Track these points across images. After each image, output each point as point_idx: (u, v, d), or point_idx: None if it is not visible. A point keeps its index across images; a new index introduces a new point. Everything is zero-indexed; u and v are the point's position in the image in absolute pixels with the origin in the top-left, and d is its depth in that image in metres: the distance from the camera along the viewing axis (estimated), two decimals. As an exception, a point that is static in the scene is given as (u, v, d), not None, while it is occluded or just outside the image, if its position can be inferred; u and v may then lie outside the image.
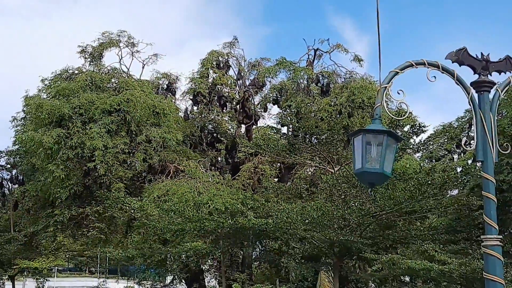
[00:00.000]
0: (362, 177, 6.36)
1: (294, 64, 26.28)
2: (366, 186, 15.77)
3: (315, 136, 25.61)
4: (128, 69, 26.09)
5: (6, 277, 32.65)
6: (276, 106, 27.77)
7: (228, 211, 18.69)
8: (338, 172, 20.67)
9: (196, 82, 26.32)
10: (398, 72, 6.30)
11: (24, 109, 24.08)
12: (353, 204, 17.38)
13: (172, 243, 21.16)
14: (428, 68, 6.20)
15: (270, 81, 27.72)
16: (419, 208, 17.17)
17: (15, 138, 24.58)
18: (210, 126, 27.84)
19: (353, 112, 24.06)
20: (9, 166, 28.71)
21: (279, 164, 26.39)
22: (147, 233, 21.59)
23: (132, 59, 26.27)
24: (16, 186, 27.64)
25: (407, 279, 28.59)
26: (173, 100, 27.07)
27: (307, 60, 27.04)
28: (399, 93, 6.33)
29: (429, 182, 16.09)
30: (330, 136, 23.55)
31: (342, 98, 24.34)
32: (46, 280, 36.10)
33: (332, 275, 20.85)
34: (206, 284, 27.01)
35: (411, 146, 27.28)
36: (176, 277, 27.60)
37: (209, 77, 27.05)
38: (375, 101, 6.10)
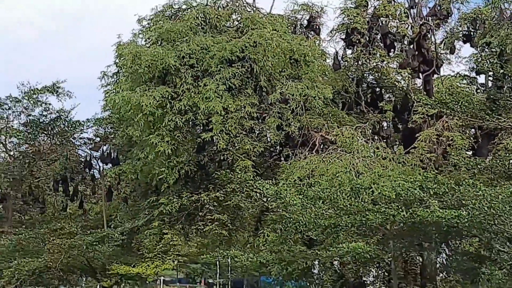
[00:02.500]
0: None
1: (495, -18, 25.42)
2: None
3: (529, 87, 24.76)
4: (254, 0, 26.36)
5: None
6: (468, 44, 27.07)
7: (401, 199, 18.46)
8: None
9: (350, 14, 26.19)
10: None
11: (117, 61, 25.01)
12: None
13: (321, 245, 21.32)
14: None
15: (458, 9, 27.12)
16: None
17: (105, 101, 25.60)
18: (370, 77, 27.70)
19: None
20: (98, 139, 30.16)
21: (474, 129, 25.74)
22: (285, 230, 21.88)
23: (260, -15, 26.53)
24: (109, 166, 28.99)
25: None
26: (318, 42, 27.10)
27: (514, -26, 26.03)
28: None
29: None
30: (553, 86, 22.63)
31: None
32: (151, 294, 37.94)
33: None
34: (371, 302, 27.14)
35: None
36: (327, 291, 27.96)
37: (369, 6, 26.80)
38: None
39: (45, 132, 30.16)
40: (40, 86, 29.16)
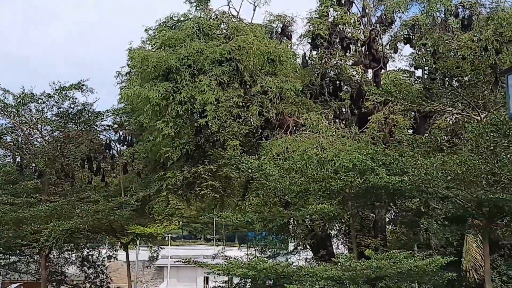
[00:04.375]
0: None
1: (428, -5, 25.51)
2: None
3: (456, 79, 24.83)
4: (238, 13, 26.44)
5: (119, 245, 34.83)
6: (408, 45, 27.15)
7: (357, 168, 18.68)
8: (485, 119, 20.10)
9: (315, 23, 26.16)
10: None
11: (129, 63, 25.08)
12: (504, 157, 16.88)
13: (294, 206, 21.54)
14: None
15: (400, 17, 27.10)
16: None
17: (120, 96, 25.64)
18: (332, 72, 27.71)
19: (501, 48, 23.04)
20: (116, 126, 30.21)
21: (413, 113, 25.97)
22: (266, 195, 22.10)
23: (242, 1, 26.55)
24: (125, 147, 29.08)
25: None
26: (289, 45, 27.16)
27: (444, -11, 26.10)
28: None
29: None
30: (475, 77, 22.78)
31: (487, 32, 23.34)
32: (161, 248, 38.15)
33: (481, 238, 20.51)
34: (334, 250, 27.41)
35: None
36: (300, 243, 28.23)
37: (329, 16, 26.78)
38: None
39: (73, 121, 30.06)
40: (68, 84, 29.09)
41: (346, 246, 27.83)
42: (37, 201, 28.45)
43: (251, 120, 23.81)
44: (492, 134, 17.02)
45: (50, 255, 32.92)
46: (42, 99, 29.28)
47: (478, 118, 20.99)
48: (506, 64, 21.84)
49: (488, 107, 22.06)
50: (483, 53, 23.40)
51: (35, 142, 31.06)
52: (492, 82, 22.90)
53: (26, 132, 30.34)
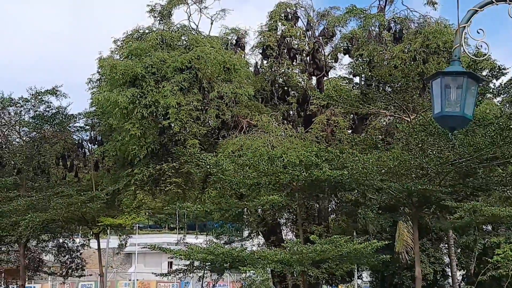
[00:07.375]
0: (442, 121, 6.28)
1: (364, 12, 25.66)
2: (444, 134, 15.50)
3: (389, 85, 25.10)
4: (197, 26, 26.23)
5: (91, 234, 34.34)
6: (347, 56, 27.34)
7: (303, 163, 18.74)
8: (414, 120, 20.34)
9: (265, 35, 26.15)
10: (477, 11, 6.11)
11: (99, 70, 24.72)
12: (431, 153, 17.13)
13: (248, 197, 21.48)
14: (510, 4, 5.96)
15: (340, 31, 27.22)
16: (500, 154, 16.72)
17: (91, 100, 25.26)
18: (280, 79, 27.71)
19: (428, 58, 23.40)
20: (87, 127, 29.73)
21: (352, 115, 26.16)
22: (223, 188, 21.99)
23: (201, 15, 26.37)
24: (95, 146, 28.63)
25: (490, 227, 28.08)
26: (243, 55, 27.07)
27: (378, 7, 26.30)
28: (478, 33, 6.16)
29: (511, 127, 15.60)
30: (405, 83, 23.05)
31: (416, 44, 23.70)
32: (129, 237, 37.74)
33: (412, 225, 20.76)
34: (284, 237, 27.44)
35: (491, 91, 26.39)
36: (253, 230, 28.19)
37: (278, 29, 26.79)
38: (451, 45, 5.96)
39: (48, 123, 29.47)
40: (44, 89, 28.61)
41: (294, 233, 27.84)
42: (16, 195, 27.79)
43: (209, 121, 23.66)
44: (420, 133, 17.25)
45: (28, 244, 32.30)
46: (20, 103, 28.74)
47: (408, 119, 21.23)
48: (432, 71, 22.15)
49: (417, 110, 22.31)
50: (412, 62, 23.73)
51: (13, 142, 30.40)
52: (420, 88, 23.19)
53: (5, 133, 29.66)
